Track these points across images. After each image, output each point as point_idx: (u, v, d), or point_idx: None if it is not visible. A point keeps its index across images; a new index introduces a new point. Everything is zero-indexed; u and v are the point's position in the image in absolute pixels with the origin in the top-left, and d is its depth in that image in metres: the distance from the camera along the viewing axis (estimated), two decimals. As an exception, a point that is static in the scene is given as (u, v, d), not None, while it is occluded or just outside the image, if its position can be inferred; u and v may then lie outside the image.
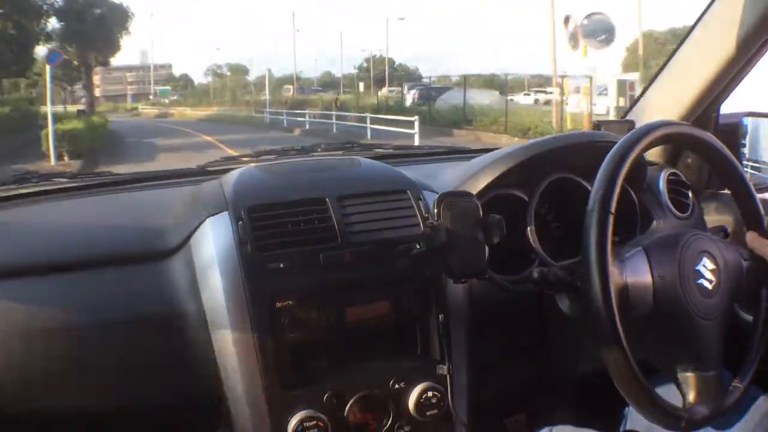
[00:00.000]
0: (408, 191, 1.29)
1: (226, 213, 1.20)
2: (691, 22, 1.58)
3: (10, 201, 1.46)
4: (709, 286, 1.02)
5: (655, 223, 1.43)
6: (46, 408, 1.17)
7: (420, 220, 1.24)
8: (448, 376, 1.19)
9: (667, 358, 1.03)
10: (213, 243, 1.18)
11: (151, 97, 65.50)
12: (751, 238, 1.11)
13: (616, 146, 1.01)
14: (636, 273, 1.00)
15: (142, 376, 1.19)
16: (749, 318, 1.13)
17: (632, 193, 1.43)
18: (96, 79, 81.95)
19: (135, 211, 1.41)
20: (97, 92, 79.50)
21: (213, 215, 1.22)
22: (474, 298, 1.29)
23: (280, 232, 1.17)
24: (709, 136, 1.10)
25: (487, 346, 1.34)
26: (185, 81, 77.06)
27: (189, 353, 1.18)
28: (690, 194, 1.54)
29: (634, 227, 1.39)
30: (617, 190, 0.97)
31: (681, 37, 1.62)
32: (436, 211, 1.11)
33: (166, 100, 60.11)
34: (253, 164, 1.48)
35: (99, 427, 1.25)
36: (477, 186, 1.36)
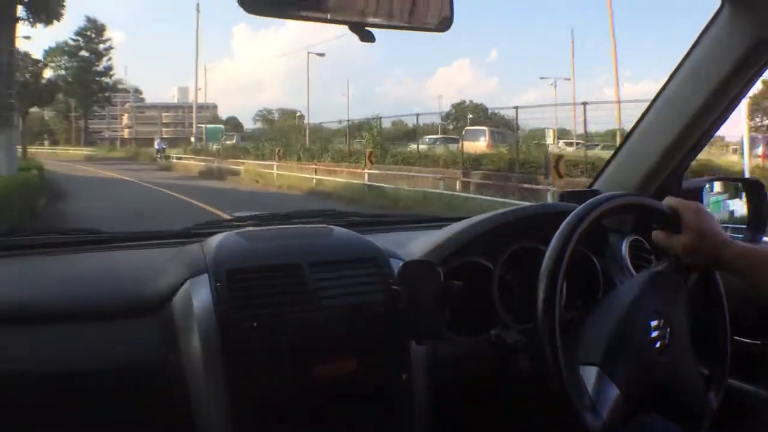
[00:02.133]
0: (376, 259, 1.36)
1: (206, 275, 1.27)
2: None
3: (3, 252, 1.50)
4: (659, 344, 1.10)
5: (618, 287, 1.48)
6: None
7: (385, 287, 1.29)
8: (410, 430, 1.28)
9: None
10: (193, 302, 1.24)
11: (192, 139, 48.07)
12: (655, 234, 1.19)
13: (566, 219, 1.08)
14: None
15: (119, 427, 1.23)
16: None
17: (594, 259, 1.51)
18: (125, 117, 78.91)
19: (121, 269, 1.45)
20: (126, 133, 76.46)
21: (193, 276, 1.28)
22: (438, 358, 1.35)
23: (256, 294, 1.23)
24: (658, 204, 1.17)
25: (453, 403, 1.41)
26: (233, 125, 68.01)
27: (166, 407, 1.23)
28: (653, 258, 1.57)
29: (597, 292, 1.45)
30: (565, 258, 1.05)
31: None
32: (399, 278, 1.22)
33: (216, 146, 41.29)
34: (234, 229, 1.52)
35: None
36: (441, 254, 1.44)
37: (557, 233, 1.08)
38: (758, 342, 1.52)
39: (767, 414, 1.50)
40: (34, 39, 64.07)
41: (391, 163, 21.66)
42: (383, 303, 1.27)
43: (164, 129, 75.63)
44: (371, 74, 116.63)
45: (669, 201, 1.19)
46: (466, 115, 23.49)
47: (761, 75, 1.49)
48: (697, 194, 1.65)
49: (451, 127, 22.36)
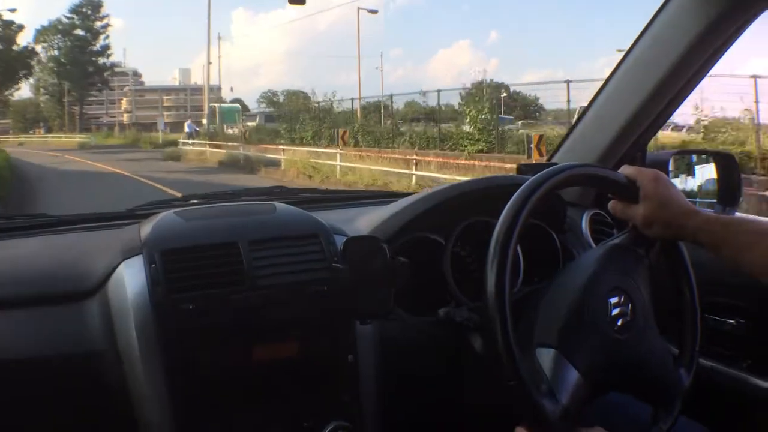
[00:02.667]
0: (318, 236, 1.31)
1: (140, 256, 1.23)
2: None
3: None
4: (620, 322, 1.05)
5: None
6: None
7: (327, 264, 1.26)
8: (357, 415, 1.26)
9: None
10: (127, 285, 1.21)
11: (204, 121, 39.96)
12: (612, 205, 1.15)
13: (517, 192, 1.04)
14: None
15: (58, 414, 1.22)
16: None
17: (554, 234, 1.47)
18: (125, 102, 76.14)
19: (60, 253, 1.42)
20: (126, 118, 72.74)
21: (128, 258, 1.25)
22: (386, 338, 1.32)
23: (191, 275, 1.19)
24: (615, 174, 1.13)
25: (402, 385, 1.37)
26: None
27: (104, 393, 1.20)
28: (615, 231, 1.53)
29: (557, 268, 1.39)
30: (516, 233, 1.00)
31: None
32: (342, 255, 1.18)
33: (233, 128, 35.84)
34: (178, 208, 1.48)
35: None
36: (389, 230, 1.40)
37: (507, 206, 1.03)
38: (732, 321, 1.47)
39: (740, 394, 1.45)
40: (18, 11, 60.47)
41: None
42: (325, 281, 1.22)
43: (166, 113, 70.33)
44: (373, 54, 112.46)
45: (625, 170, 1.14)
46: (488, 95, 20.72)
47: (730, 45, 1.43)
48: (662, 168, 1.54)
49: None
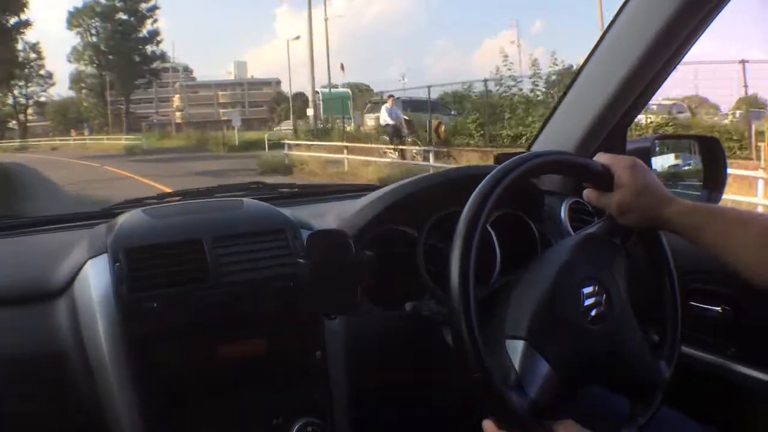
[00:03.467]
0: (285, 231, 1.30)
1: (105, 255, 1.22)
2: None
3: None
4: (594, 312, 1.02)
5: None
6: None
7: (294, 260, 1.25)
8: (328, 411, 1.25)
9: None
10: (92, 284, 1.21)
11: (311, 113, 32.35)
12: (587, 193, 1.12)
13: (482, 182, 1.01)
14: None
15: (24, 416, 1.21)
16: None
17: (531, 224, 1.45)
18: (176, 99, 68.66)
19: (29, 254, 1.42)
20: (178, 117, 65.81)
21: (93, 257, 1.24)
22: (355, 334, 1.31)
23: (155, 273, 1.18)
24: (588, 161, 1.10)
25: (374, 381, 1.36)
26: (302, 102, 50.62)
27: (72, 393, 1.20)
28: (596, 220, 1.48)
29: (535, 257, 1.32)
30: (480, 223, 0.97)
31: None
32: (306, 250, 1.15)
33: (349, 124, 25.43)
34: (151, 206, 1.48)
35: None
36: (357, 223, 1.37)
37: (472, 196, 1.00)
38: (717, 308, 1.43)
39: (724, 382, 1.43)
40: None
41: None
42: (291, 277, 1.21)
43: (221, 110, 64.36)
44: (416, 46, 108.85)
45: (600, 157, 1.11)
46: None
47: (706, 26, 1.40)
48: (643, 154, 1.52)
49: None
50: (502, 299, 1.04)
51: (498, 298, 1.05)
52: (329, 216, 1.47)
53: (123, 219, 1.33)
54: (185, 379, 1.18)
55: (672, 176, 1.64)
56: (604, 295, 1.03)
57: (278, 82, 70.26)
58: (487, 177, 1.00)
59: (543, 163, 1.07)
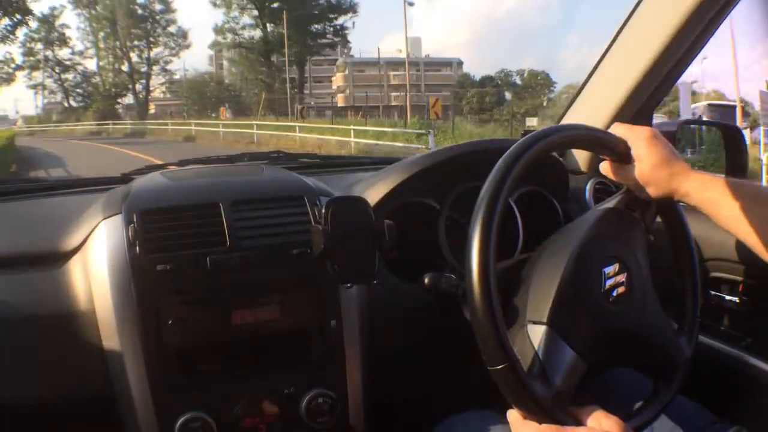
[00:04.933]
0: (304, 197, 1.29)
1: (119, 216, 1.22)
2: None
3: None
4: (615, 293, 1.00)
5: None
6: None
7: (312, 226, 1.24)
8: (341, 382, 1.23)
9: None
10: (105, 245, 1.20)
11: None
12: (603, 166, 1.09)
13: (505, 153, 0.97)
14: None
15: (36, 374, 1.22)
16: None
17: (555, 201, 1.45)
18: (339, 77, 57.14)
19: (47, 215, 1.43)
20: (341, 100, 54.67)
21: (107, 218, 1.24)
22: (372, 304, 1.29)
23: (169, 235, 1.18)
24: (605, 133, 1.07)
25: (389, 353, 1.34)
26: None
27: (81, 353, 1.20)
28: None
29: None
30: (501, 199, 0.93)
31: None
32: (325, 216, 1.13)
33: None
34: (170, 171, 1.48)
35: None
36: (379, 193, 1.37)
37: (493, 170, 0.96)
38: (735, 298, 1.42)
39: (738, 373, 1.41)
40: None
41: None
42: (308, 244, 1.18)
43: (393, 94, 54.73)
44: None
45: (616, 129, 1.07)
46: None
47: (731, 8, 1.38)
48: (670, 137, 1.44)
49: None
50: (523, 278, 1.02)
51: (519, 275, 1.03)
52: (351, 185, 1.46)
53: (140, 181, 1.34)
54: (196, 343, 1.17)
55: (694, 161, 1.62)
56: (626, 274, 1.01)
57: (460, 63, 58.27)
58: (508, 151, 0.97)
59: (562, 138, 1.03)
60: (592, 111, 1.62)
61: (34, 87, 56.16)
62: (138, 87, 54.35)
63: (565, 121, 1.71)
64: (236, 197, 1.25)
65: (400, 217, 1.28)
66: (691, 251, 1.12)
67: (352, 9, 46.77)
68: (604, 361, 0.99)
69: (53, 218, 1.37)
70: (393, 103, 52.43)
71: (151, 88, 55.73)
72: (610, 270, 1.00)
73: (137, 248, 1.15)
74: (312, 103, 51.08)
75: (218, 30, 48.68)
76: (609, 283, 0.99)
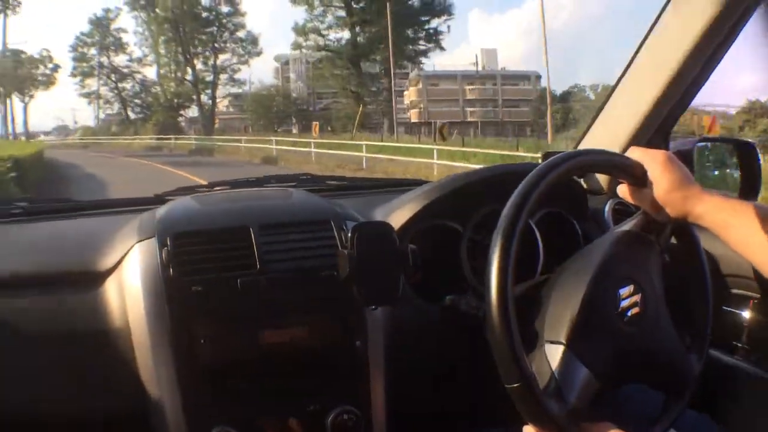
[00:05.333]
0: (330, 221, 1.32)
1: (153, 239, 1.27)
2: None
3: None
4: (630, 313, 1.03)
5: None
6: None
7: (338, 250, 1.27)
8: (365, 400, 1.27)
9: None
10: (140, 266, 1.25)
11: None
12: (621, 189, 1.12)
13: (525, 178, 1.01)
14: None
15: (71, 389, 1.26)
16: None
17: (575, 222, 1.48)
18: (412, 92, 52.60)
19: (82, 236, 1.47)
20: (414, 115, 50.29)
21: (141, 241, 1.29)
22: (396, 324, 1.32)
23: (201, 258, 1.22)
24: (621, 157, 1.10)
25: (412, 372, 1.37)
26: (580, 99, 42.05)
27: (115, 369, 1.25)
28: None
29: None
30: (520, 223, 0.96)
31: None
32: (351, 240, 1.17)
33: None
34: (200, 194, 1.53)
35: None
36: (404, 216, 1.41)
37: (513, 195, 1.00)
38: (748, 314, 1.44)
39: (749, 388, 1.42)
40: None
41: None
42: (334, 267, 1.22)
43: (469, 109, 51.26)
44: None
45: (633, 152, 1.10)
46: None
47: (741, 29, 1.42)
48: (687, 156, 1.53)
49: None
50: (542, 299, 1.05)
51: (538, 296, 1.06)
52: (376, 209, 1.50)
53: (171, 205, 1.39)
54: (226, 361, 1.21)
55: (711, 180, 1.63)
56: (640, 294, 1.04)
57: (538, 77, 52.25)
58: (528, 176, 1.00)
59: (580, 163, 1.07)
60: (610, 133, 1.65)
61: (87, 96, 53.29)
62: (203, 98, 49.80)
63: (585, 142, 1.74)
64: (265, 221, 1.29)
65: (423, 239, 1.35)
66: (704, 272, 1.15)
67: (447, 11, 41.61)
68: (617, 379, 1.02)
69: (89, 239, 1.41)
70: (469, 119, 47.24)
71: (218, 99, 51.55)
72: (624, 291, 1.02)
73: (171, 270, 1.20)
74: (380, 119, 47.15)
75: (299, 30, 42.92)
76: (624, 304, 1.01)
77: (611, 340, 1.00)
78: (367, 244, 1.17)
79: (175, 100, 48.68)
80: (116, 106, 52.79)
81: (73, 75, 51.01)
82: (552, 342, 0.98)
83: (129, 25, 75.16)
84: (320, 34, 42.36)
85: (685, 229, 1.13)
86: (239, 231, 1.26)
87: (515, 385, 0.90)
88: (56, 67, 50.34)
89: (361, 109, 37.53)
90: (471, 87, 51.34)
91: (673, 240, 1.14)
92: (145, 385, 1.23)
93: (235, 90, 50.80)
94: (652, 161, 1.05)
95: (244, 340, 1.21)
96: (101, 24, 49.92)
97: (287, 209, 1.39)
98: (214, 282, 1.20)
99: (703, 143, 1.59)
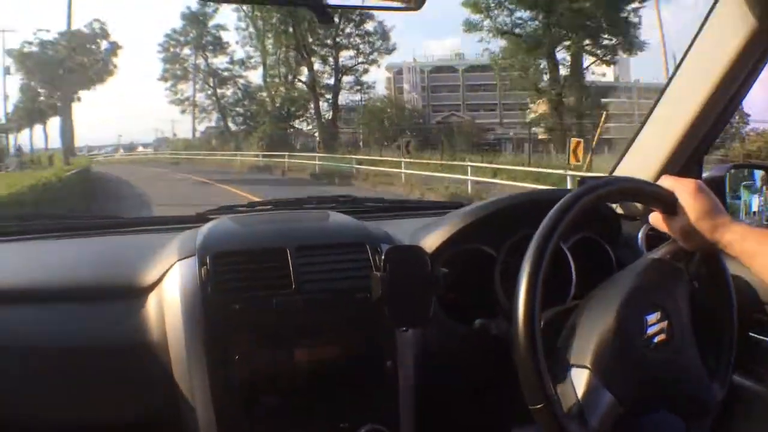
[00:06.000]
0: (365, 244, 1.35)
1: (194, 257, 1.31)
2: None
3: (18, 236, 1.63)
4: (656, 340, 1.05)
5: None
6: (12, 421, 1.28)
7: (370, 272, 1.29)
8: (394, 419, 1.29)
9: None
10: (180, 284, 1.29)
11: None
12: (653, 217, 1.15)
13: (556, 204, 1.04)
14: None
15: (106, 401, 1.30)
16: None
17: (608, 247, 1.49)
18: (541, 104, 35.74)
19: (124, 252, 1.53)
20: (542, 132, 35.26)
21: (182, 259, 1.33)
22: (427, 346, 1.35)
23: (240, 277, 1.26)
24: (652, 186, 1.13)
25: (441, 392, 1.40)
26: None
27: (151, 383, 1.29)
28: None
29: None
30: (549, 250, 1.00)
31: None
32: (384, 263, 1.20)
33: None
34: (241, 214, 1.60)
35: None
36: (438, 239, 1.43)
37: (544, 220, 1.03)
38: None
39: None
40: None
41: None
42: (368, 289, 1.25)
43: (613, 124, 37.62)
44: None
45: (664, 181, 1.13)
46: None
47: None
48: (719, 183, 1.56)
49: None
50: (571, 324, 1.06)
51: (568, 321, 1.07)
52: (411, 232, 1.51)
53: (212, 225, 1.43)
54: (260, 378, 1.25)
55: (744, 206, 1.64)
56: (667, 322, 1.05)
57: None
58: (559, 202, 1.03)
59: (612, 190, 1.11)
60: (644, 160, 1.66)
61: (179, 103, 44.31)
62: (322, 106, 38.95)
63: (619, 169, 1.75)
64: (302, 243, 1.32)
65: (457, 262, 1.37)
66: (731, 301, 1.17)
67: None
68: (640, 404, 1.04)
69: (132, 255, 1.45)
70: (605, 136, 37.83)
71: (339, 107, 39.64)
72: (652, 318, 1.04)
73: (209, 289, 1.24)
74: (511, 134, 39.59)
75: (475, 5, 29.45)
76: (650, 330, 1.04)
77: (636, 365, 1.02)
78: (400, 267, 1.19)
79: (286, 108, 38.13)
80: (214, 117, 44.10)
81: (164, 79, 43.31)
82: (578, 366, 1.00)
83: (230, 20, 65.32)
84: (508, 9, 29.52)
85: (714, 257, 1.15)
86: (276, 252, 1.30)
87: (539, 406, 0.94)
88: (113, 48, 40.95)
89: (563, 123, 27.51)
90: (604, 99, 42.01)
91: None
92: (180, 398, 1.26)
93: (354, 97, 40.44)
94: (683, 190, 1.09)
95: (278, 357, 1.24)
96: (197, 19, 41.64)
97: (324, 231, 1.44)
98: (251, 301, 1.24)
99: (735, 169, 1.61)
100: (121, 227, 1.72)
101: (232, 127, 42.60)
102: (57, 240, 1.61)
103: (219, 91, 42.80)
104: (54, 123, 41.89)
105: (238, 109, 42.50)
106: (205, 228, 1.41)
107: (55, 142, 41.80)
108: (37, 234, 1.64)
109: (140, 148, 57.22)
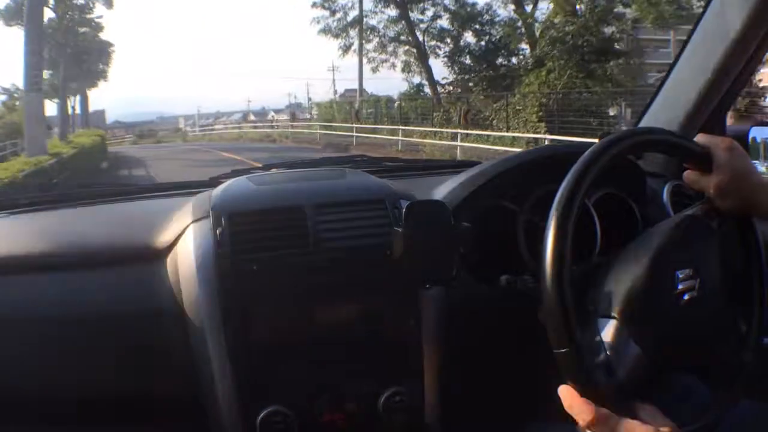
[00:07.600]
0: (384, 201, 1.32)
1: (208, 218, 1.27)
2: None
3: (30, 207, 1.60)
4: (687, 297, 1.01)
5: None
6: (31, 391, 1.27)
7: (392, 229, 1.26)
8: (418, 380, 1.26)
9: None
10: (194, 246, 1.26)
11: None
12: (688, 174, 1.10)
13: (582, 156, 1.00)
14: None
15: (122, 368, 1.27)
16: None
17: (633, 204, 1.45)
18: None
19: (137, 217, 1.50)
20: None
21: (196, 221, 1.30)
22: (450, 305, 1.31)
23: (256, 238, 1.22)
24: (685, 140, 1.09)
25: (465, 352, 1.36)
26: None
27: (167, 348, 1.26)
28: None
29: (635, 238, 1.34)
30: (577, 201, 0.96)
31: None
32: (405, 219, 1.16)
33: None
34: (255, 174, 1.53)
35: (81, 411, 1.32)
36: (459, 196, 1.39)
37: (569, 173, 0.99)
38: None
39: None
40: None
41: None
42: (388, 246, 1.22)
43: None
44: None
45: (700, 137, 1.08)
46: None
47: None
48: (742, 139, 1.53)
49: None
50: (597, 279, 1.04)
51: (594, 277, 1.04)
52: (431, 189, 1.47)
53: (226, 185, 1.37)
54: (279, 341, 1.22)
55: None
56: (699, 280, 1.02)
57: None
58: (585, 153, 0.99)
59: (641, 141, 1.05)
60: (668, 111, 1.63)
61: (345, 50, 30.22)
62: None
63: (644, 121, 1.73)
64: (320, 201, 1.28)
65: (479, 219, 1.32)
66: (761, 263, 1.13)
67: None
68: (667, 362, 1.00)
69: (144, 219, 1.42)
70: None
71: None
72: (683, 274, 1.00)
73: (225, 249, 1.21)
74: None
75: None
76: (681, 286, 1.00)
77: (665, 319, 0.98)
78: (422, 223, 1.16)
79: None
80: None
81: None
82: (605, 316, 0.97)
83: None
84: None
85: (747, 219, 1.11)
86: (294, 210, 1.26)
87: (564, 350, 0.89)
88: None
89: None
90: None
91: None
92: (198, 364, 1.23)
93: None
94: (718, 147, 1.04)
95: (298, 319, 1.21)
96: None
97: (341, 188, 1.37)
98: (268, 261, 1.20)
99: (760, 126, 1.58)
100: (133, 194, 1.69)
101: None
102: (68, 209, 1.59)
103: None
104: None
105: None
106: (219, 189, 1.36)
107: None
108: (48, 204, 1.61)
109: (271, 114, 52.07)
